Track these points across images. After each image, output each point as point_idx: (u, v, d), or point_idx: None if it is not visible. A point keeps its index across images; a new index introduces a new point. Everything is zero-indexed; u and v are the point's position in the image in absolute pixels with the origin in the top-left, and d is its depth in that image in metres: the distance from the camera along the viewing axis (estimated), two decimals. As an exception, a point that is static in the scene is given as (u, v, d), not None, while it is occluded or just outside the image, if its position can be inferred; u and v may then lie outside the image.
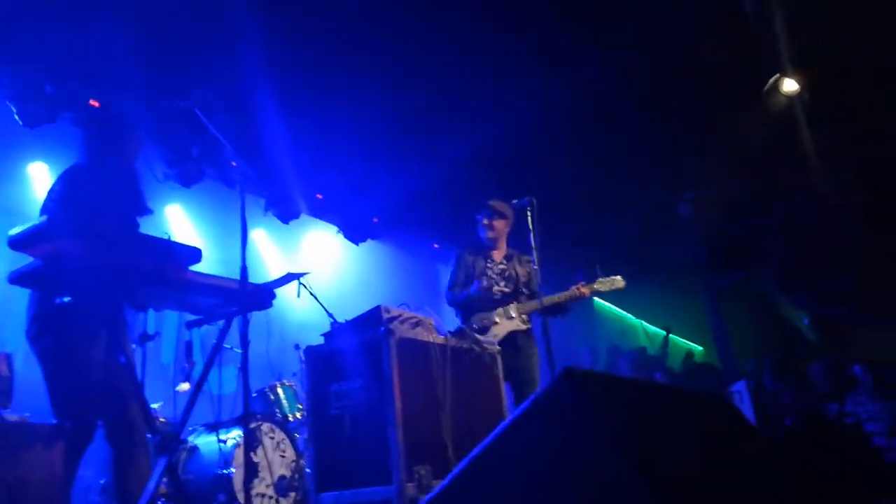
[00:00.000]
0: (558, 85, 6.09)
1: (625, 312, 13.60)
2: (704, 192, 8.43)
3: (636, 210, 8.48)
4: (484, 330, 4.42)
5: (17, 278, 2.47)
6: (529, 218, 4.21)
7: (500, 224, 4.68)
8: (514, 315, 4.49)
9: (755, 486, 1.97)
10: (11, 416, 3.47)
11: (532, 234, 4.21)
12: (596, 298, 12.20)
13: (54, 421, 2.70)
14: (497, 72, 5.97)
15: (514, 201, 4.42)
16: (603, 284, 4.62)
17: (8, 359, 3.83)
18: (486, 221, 4.70)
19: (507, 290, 4.58)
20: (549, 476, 1.48)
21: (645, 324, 13.95)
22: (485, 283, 4.53)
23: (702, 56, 5.86)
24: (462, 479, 1.55)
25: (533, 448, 1.51)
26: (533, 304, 4.49)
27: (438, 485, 1.62)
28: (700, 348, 14.71)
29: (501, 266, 4.65)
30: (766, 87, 6.45)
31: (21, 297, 2.98)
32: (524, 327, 4.49)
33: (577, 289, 4.55)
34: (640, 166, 7.55)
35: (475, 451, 1.55)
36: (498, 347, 4.10)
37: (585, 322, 11.16)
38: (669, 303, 12.11)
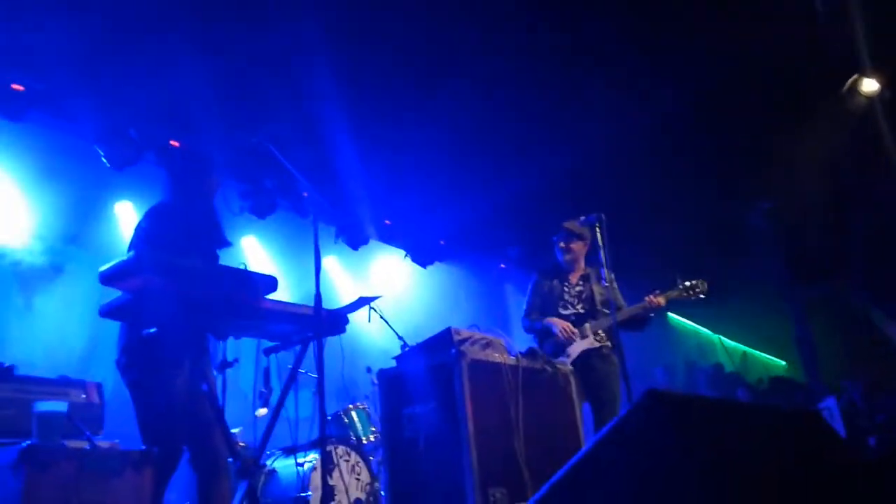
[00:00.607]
0: (625, 102, 6.01)
1: (701, 327, 13.16)
2: (782, 201, 8.11)
3: (712, 222, 8.23)
4: (558, 352, 4.34)
5: (107, 312, 2.62)
6: (599, 235, 4.09)
7: (577, 246, 4.58)
8: (588, 334, 4.38)
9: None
10: (103, 443, 3.63)
11: (602, 252, 4.09)
12: (671, 314, 11.85)
13: (143, 447, 2.81)
14: (562, 94, 5.96)
15: (582, 218, 4.25)
16: (679, 292, 4.42)
17: (99, 388, 4.02)
18: (562, 244, 4.60)
19: (581, 311, 4.48)
20: (632, 499, 1.44)
21: (723, 339, 13.45)
22: (562, 313, 4.47)
23: (773, 60, 5.68)
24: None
25: (616, 471, 1.48)
26: (606, 321, 4.35)
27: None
28: (783, 363, 14.06)
29: (578, 288, 4.56)
30: (844, 89, 6.18)
31: (109, 329, 3.14)
32: (598, 345, 4.37)
33: (650, 299, 4.35)
34: (715, 178, 7.35)
35: (558, 474, 1.53)
36: (570, 367, 4.03)
37: (660, 337, 10.86)
38: (749, 317, 11.62)
